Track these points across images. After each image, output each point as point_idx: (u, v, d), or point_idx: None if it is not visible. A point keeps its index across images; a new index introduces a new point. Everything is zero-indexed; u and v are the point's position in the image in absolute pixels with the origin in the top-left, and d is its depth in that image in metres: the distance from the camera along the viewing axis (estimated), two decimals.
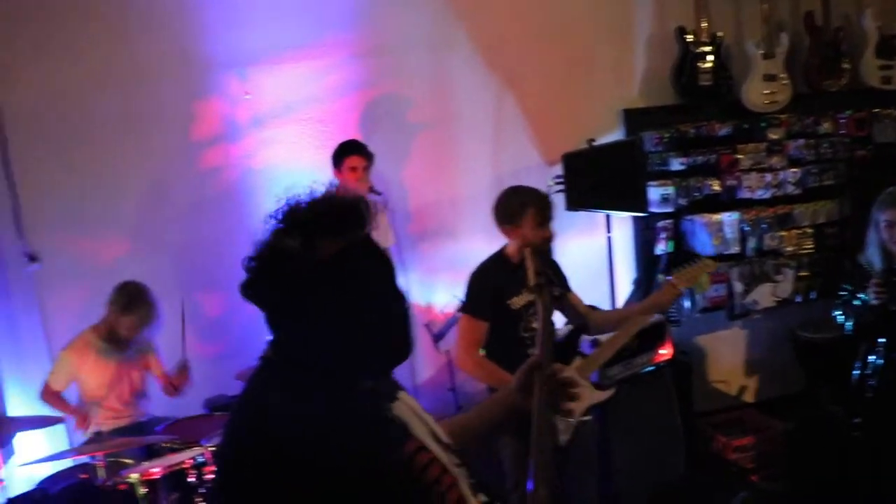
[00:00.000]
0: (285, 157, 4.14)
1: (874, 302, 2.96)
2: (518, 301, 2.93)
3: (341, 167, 3.77)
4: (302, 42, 4.11)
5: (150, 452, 3.37)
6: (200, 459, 3.09)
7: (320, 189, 1.23)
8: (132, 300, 3.48)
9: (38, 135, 3.91)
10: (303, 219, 1.16)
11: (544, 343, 1.50)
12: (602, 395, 3.02)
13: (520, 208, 2.90)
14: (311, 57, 4.13)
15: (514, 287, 2.93)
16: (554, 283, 1.68)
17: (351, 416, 1.16)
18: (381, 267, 1.23)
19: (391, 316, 1.23)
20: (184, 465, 3.05)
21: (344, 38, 4.17)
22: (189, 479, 3.05)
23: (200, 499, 3.05)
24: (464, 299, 3.01)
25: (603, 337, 3.14)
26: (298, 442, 1.10)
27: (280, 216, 1.18)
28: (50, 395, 3.46)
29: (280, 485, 1.09)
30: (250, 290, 1.18)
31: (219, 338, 4.15)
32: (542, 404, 1.34)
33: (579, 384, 2.88)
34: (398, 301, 1.25)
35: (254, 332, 3.91)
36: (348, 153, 3.77)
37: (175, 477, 3.04)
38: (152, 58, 3.97)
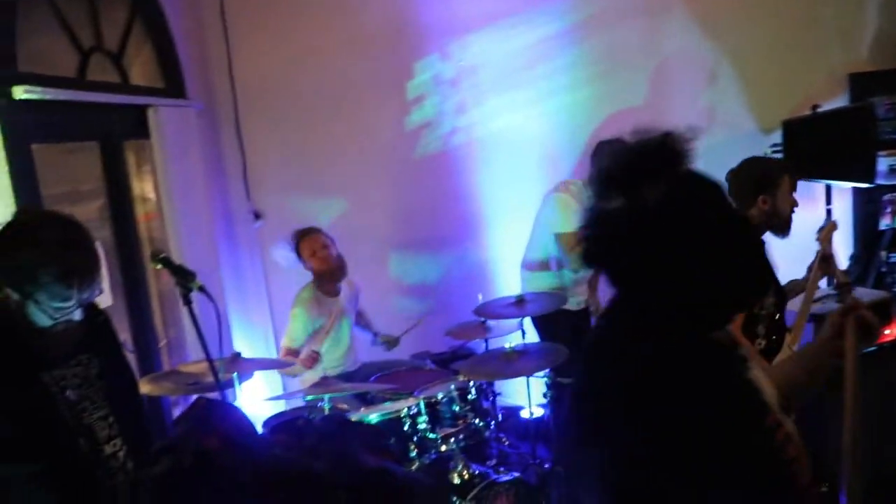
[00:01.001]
0: (500, 125, 4.22)
1: None
2: None
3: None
4: (516, 9, 4.14)
5: (365, 400, 3.58)
6: (414, 410, 3.24)
7: (621, 143, 1.21)
8: (296, 240, 3.73)
9: (264, 104, 4.25)
10: (615, 176, 1.14)
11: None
12: None
13: (776, 174, 2.79)
14: (524, 24, 4.15)
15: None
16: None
17: (719, 377, 1.13)
18: (712, 199, 1.16)
19: (733, 250, 1.15)
20: (399, 414, 3.22)
21: (557, 5, 4.16)
22: (404, 429, 3.22)
23: (414, 447, 3.22)
24: None
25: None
26: (669, 395, 1.07)
27: (594, 182, 1.17)
28: (288, 353, 3.67)
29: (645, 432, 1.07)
30: (594, 260, 1.19)
31: (426, 296, 4.33)
32: (856, 354, 1.35)
33: None
34: (738, 231, 1.17)
35: (460, 291, 4.15)
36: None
37: (391, 424, 3.22)
38: (368, 27, 4.16)
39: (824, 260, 3.00)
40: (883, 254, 4.13)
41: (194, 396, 3.02)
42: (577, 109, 4.10)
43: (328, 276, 3.76)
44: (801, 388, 1.46)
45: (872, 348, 3.49)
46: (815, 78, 4.19)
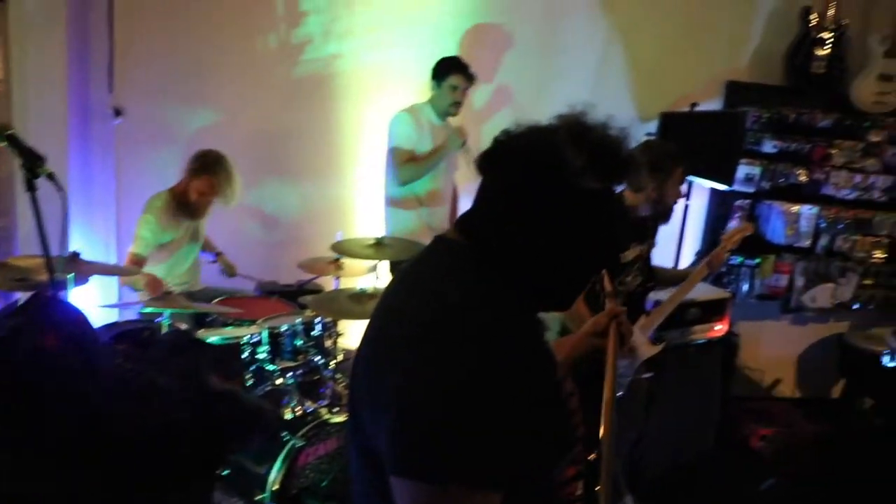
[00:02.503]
0: (383, 58, 4.11)
1: None
2: (627, 254, 2.92)
3: (441, 83, 3.72)
4: None
5: (205, 322, 3.45)
6: (256, 338, 3.15)
7: (618, 127, 1.18)
8: (208, 165, 3.52)
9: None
10: (597, 144, 1.12)
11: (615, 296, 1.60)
12: (655, 350, 3.03)
13: (670, 164, 2.85)
14: None
15: (626, 240, 2.92)
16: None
17: (528, 328, 1.18)
18: (614, 225, 1.21)
19: (596, 264, 1.23)
20: (240, 341, 3.12)
21: None
22: (243, 356, 3.12)
23: (250, 375, 3.14)
24: None
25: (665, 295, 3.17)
26: (473, 332, 1.07)
27: (573, 127, 1.14)
28: (134, 261, 3.46)
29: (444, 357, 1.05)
30: (497, 164, 1.16)
31: (280, 224, 4.20)
32: (616, 354, 1.42)
33: (639, 340, 2.94)
34: (603, 263, 1.26)
35: (312, 224, 4.05)
36: (452, 71, 3.71)
37: (230, 350, 3.11)
38: None
39: (714, 260, 3.08)
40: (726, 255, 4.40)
41: (19, 294, 2.80)
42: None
43: (192, 212, 3.60)
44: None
45: (702, 341, 3.75)
46: (697, 79, 4.36)
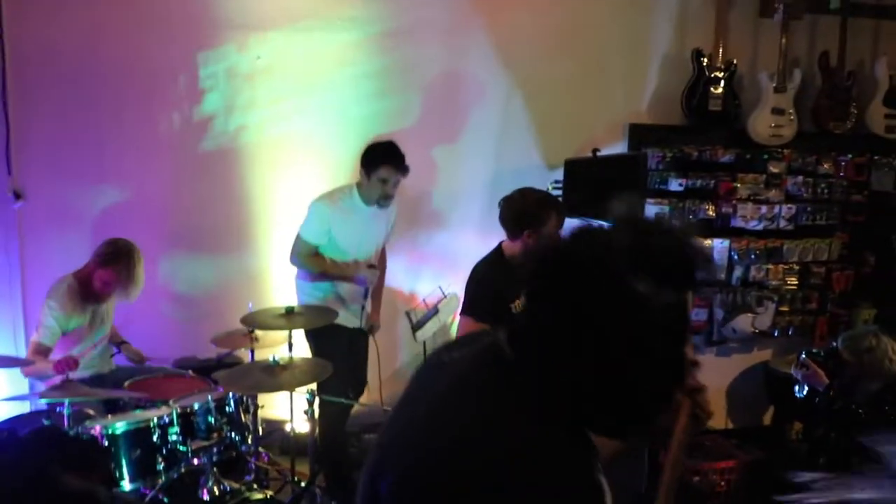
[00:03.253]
0: (293, 130, 4.11)
1: None
2: (519, 305, 2.91)
3: (371, 174, 3.51)
4: (318, 13, 4.06)
5: (113, 407, 3.33)
6: (166, 420, 3.05)
7: (682, 230, 1.07)
8: (118, 257, 3.43)
9: (40, 74, 3.85)
10: (658, 262, 1.00)
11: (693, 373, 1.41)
12: None
13: (544, 212, 2.89)
14: (325, 28, 4.08)
15: (515, 290, 2.92)
16: None
17: (576, 456, 1.05)
18: (684, 339, 1.06)
19: (671, 385, 1.09)
20: (149, 424, 3.02)
21: (363, 15, 4.13)
22: (153, 439, 3.02)
23: (162, 459, 3.03)
24: (465, 301, 2.96)
25: None
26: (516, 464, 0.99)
27: (632, 243, 1.01)
28: (38, 351, 3.34)
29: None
30: (557, 294, 1.03)
31: (193, 300, 4.12)
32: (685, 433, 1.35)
33: None
34: (677, 380, 1.11)
35: (226, 297, 3.97)
36: (382, 162, 3.47)
37: (138, 434, 3.01)
38: (163, 8, 3.91)
39: None
40: None
41: None
42: (369, 121, 4.09)
43: (96, 297, 3.51)
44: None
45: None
46: (599, 123, 4.47)
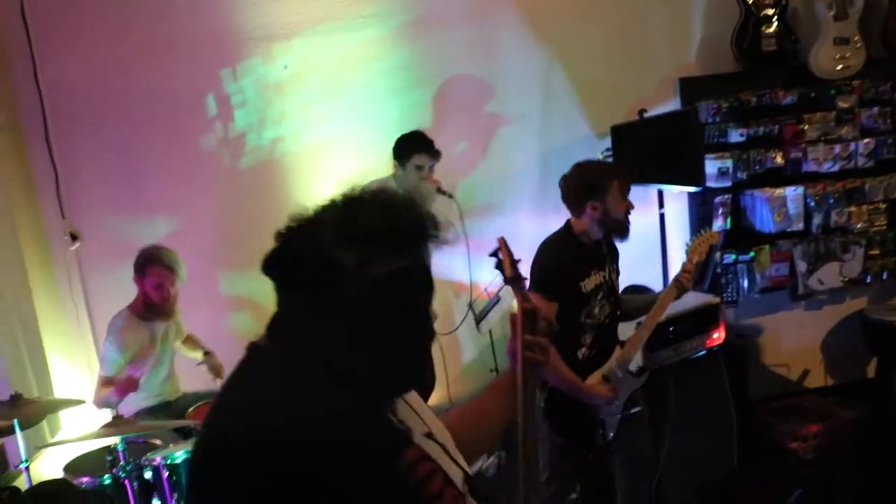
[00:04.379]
0: (328, 134, 4.04)
1: None
2: (588, 283, 2.77)
3: (405, 164, 3.54)
4: (340, 14, 3.98)
5: (183, 434, 3.33)
6: None
7: (389, 194, 1.10)
8: (147, 259, 3.44)
9: (78, 115, 3.89)
10: (364, 231, 1.03)
11: (522, 343, 1.37)
12: (638, 382, 2.85)
13: (604, 180, 2.76)
14: (347, 29, 3.99)
15: (584, 268, 2.78)
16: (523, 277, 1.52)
17: (352, 417, 1.05)
18: (426, 294, 1.12)
19: (418, 346, 1.13)
20: None
21: (385, 9, 4.02)
22: None
23: None
24: (532, 278, 2.79)
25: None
26: (287, 434, 0.98)
27: (338, 220, 1.05)
28: (105, 384, 3.37)
29: (256, 478, 0.96)
30: (280, 274, 1.08)
31: (253, 317, 4.10)
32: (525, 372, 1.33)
33: (617, 376, 2.76)
34: (428, 334, 1.15)
35: None
36: (415, 150, 3.51)
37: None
38: (186, 32, 3.89)
39: (682, 278, 2.87)
40: (717, 255, 4.21)
41: None
42: (404, 114, 3.97)
43: (156, 311, 3.52)
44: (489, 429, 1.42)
45: (701, 353, 3.54)
46: (646, 83, 4.23)
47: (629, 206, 2.80)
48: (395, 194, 1.10)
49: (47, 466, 3.37)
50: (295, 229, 1.07)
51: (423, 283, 1.10)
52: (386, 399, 1.14)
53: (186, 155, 4.00)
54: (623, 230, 2.83)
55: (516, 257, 1.54)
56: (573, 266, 2.77)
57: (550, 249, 2.83)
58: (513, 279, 1.50)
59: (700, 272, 4.23)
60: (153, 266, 3.44)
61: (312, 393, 1.04)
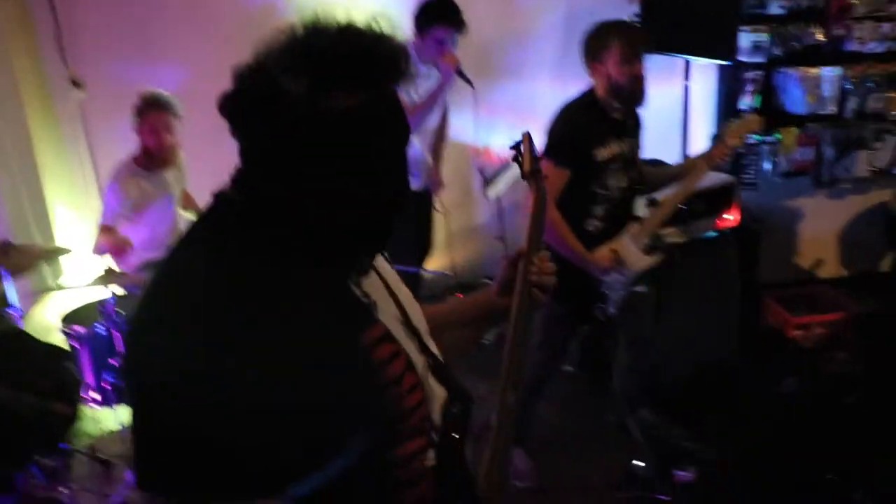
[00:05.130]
0: None
1: None
2: (603, 153, 2.64)
3: (425, 35, 3.27)
4: None
5: None
6: None
7: (356, 23, 0.95)
8: (143, 105, 3.31)
9: None
10: (319, 58, 0.90)
11: (532, 237, 1.31)
12: (650, 261, 2.76)
13: (604, 42, 2.57)
14: None
15: (601, 136, 2.64)
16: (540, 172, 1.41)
17: (310, 288, 0.96)
18: (394, 139, 0.98)
19: (381, 200, 0.98)
20: None
21: None
22: None
23: None
24: (546, 143, 2.67)
25: (660, 196, 2.86)
26: (236, 294, 0.90)
27: (291, 45, 0.92)
28: (105, 231, 3.32)
29: (199, 345, 0.87)
30: (232, 113, 0.95)
31: None
32: (522, 304, 1.24)
33: (630, 250, 2.69)
34: (395, 186, 1.00)
35: None
36: (437, 20, 3.23)
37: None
38: None
39: (715, 154, 2.76)
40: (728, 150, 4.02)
41: None
42: None
43: (154, 160, 3.43)
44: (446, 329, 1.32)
45: (712, 234, 3.45)
46: None
47: (633, 72, 2.59)
48: (364, 23, 0.95)
49: (49, 314, 3.44)
50: (251, 64, 0.94)
51: (389, 124, 0.96)
52: (348, 263, 1.04)
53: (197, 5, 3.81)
54: (628, 98, 2.65)
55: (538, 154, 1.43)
56: (589, 132, 2.63)
57: (567, 114, 2.68)
58: (531, 174, 1.40)
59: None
60: (149, 111, 3.32)
61: (268, 259, 0.95)
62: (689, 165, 2.88)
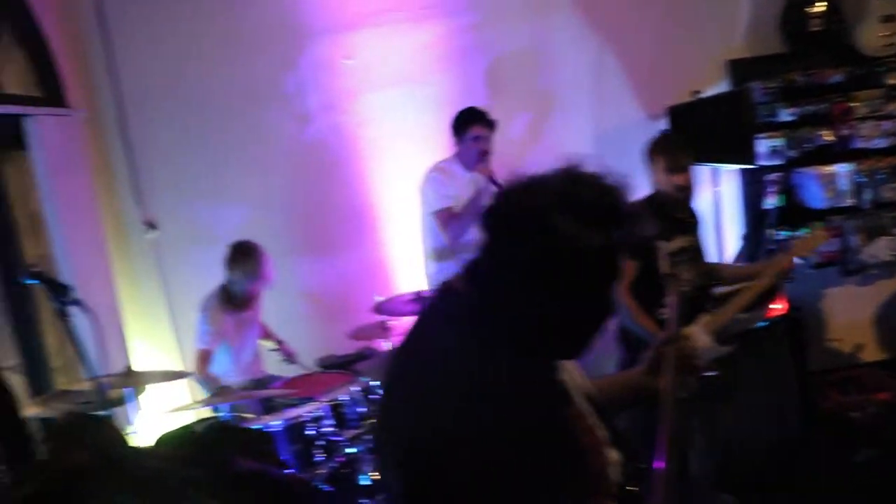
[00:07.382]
0: (391, 124, 4.22)
1: None
2: (672, 245, 2.90)
3: (463, 137, 3.65)
4: (397, 6, 4.15)
5: (268, 408, 3.50)
6: (317, 413, 3.20)
7: (608, 177, 1.17)
8: (237, 255, 3.63)
9: (152, 108, 4.10)
10: (585, 204, 1.11)
11: (674, 323, 1.55)
12: (720, 350, 2.95)
13: (651, 153, 2.92)
14: (405, 20, 4.16)
15: (665, 230, 2.91)
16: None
17: (529, 377, 1.17)
18: (615, 276, 1.18)
19: (595, 322, 1.20)
20: (302, 419, 3.17)
21: (448, 5, 4.20)
22: (307, 432, 3.17)
23: (319, 451, 3.17)
24: None
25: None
26: (472, 388, 1.11)
27: (561, 187, 1.13)
28: (202, 356, 3.60)
29: (441, 427, 1.09)
30: (497, 224, 1.17)
31: (326, 299, 4.28)
32: (674, 383, 1.43)
33: (702, 339, 2.87)
34: (607, 313, 1.22)
35: (358, 293, 4.11)
36: (471, 123, 3.63)
37: (294, 430, 3.17)
38: (251, 23, 4.09)
39: (786, 267, 2.97)
40: (770, 231, 4.30)
41: None
42: (464, 102, 4.12)
43: (237, 304, 3.72)
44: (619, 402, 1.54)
45: (763, 323, 3.64)
46: (697, 64, 4.34)
47: (676, 182, 2.90)
48: (613, 179, 1.16)
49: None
50: (520, 188, 1.16)
51: (616, 265, 1.16)
52: (556, 361, 1.26)
53: (256, 143, 4.19)
54: (673, 205, 2.95)
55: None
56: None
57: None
58: (668, 275, 1.66)
59: (753, 245, 4.35)
60: (237, 268, 3.63)
61: (491, 350, 1.15)
62: (759, 269, 3.11)
